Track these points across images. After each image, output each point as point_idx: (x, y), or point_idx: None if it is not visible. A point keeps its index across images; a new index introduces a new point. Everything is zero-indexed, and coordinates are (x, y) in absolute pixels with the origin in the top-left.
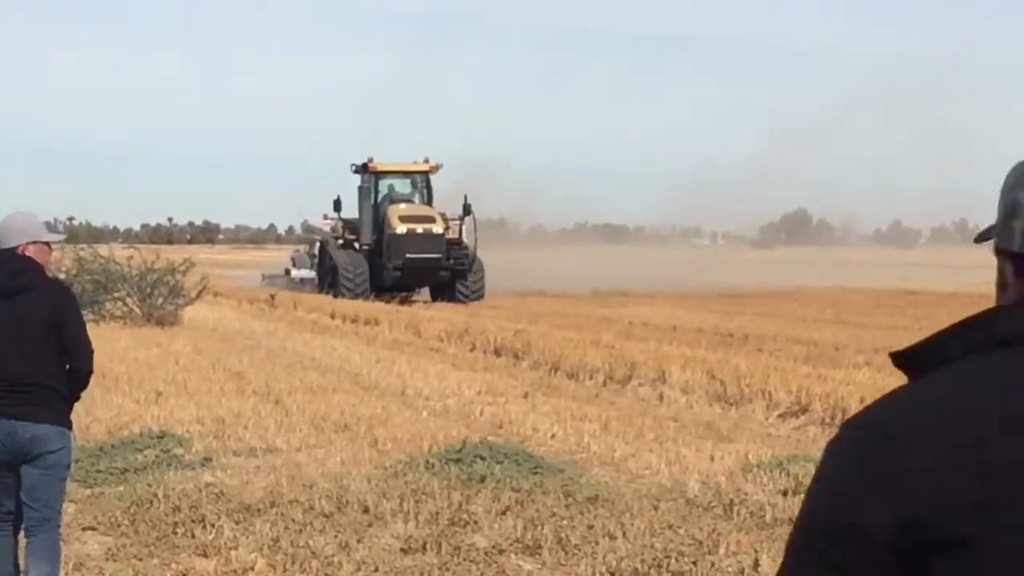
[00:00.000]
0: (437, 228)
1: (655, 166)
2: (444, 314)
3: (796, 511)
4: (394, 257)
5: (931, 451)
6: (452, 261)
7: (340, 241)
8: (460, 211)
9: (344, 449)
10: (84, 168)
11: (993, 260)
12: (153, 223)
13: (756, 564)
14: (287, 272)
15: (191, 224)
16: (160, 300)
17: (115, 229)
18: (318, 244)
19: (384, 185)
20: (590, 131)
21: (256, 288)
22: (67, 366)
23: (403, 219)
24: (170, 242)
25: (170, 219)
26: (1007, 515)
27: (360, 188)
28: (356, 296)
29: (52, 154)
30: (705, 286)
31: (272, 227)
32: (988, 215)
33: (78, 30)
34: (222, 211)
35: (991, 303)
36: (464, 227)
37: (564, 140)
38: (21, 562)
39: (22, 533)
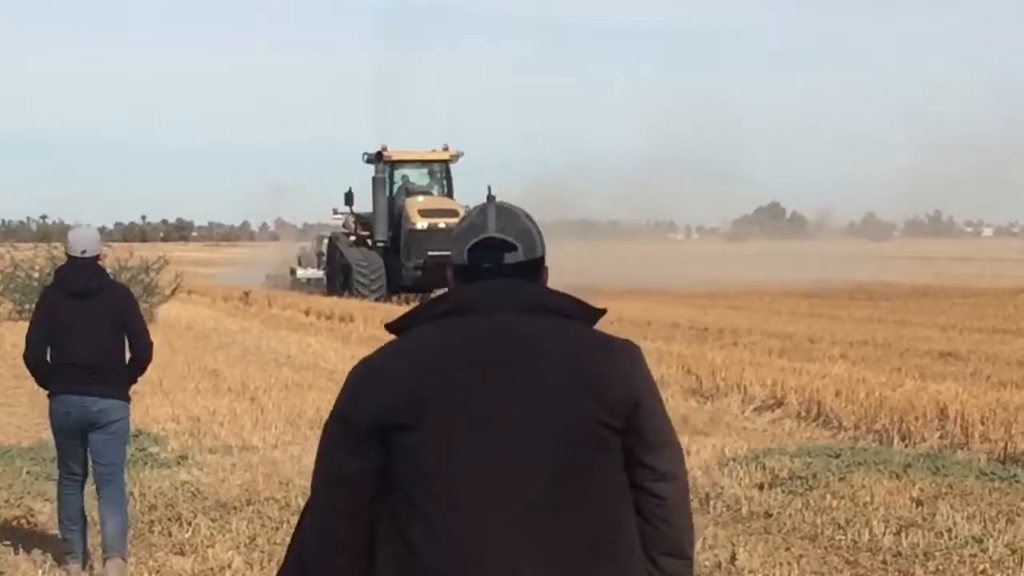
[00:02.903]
0: None
1: (627, 160)
2: None
3: (773, 504)
4: (414, 255)
5: (385, 376)
6: None
7: (352, 238)
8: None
9: None
10: (57, 166)
11: (966, 252)
12: (126, 221)
13: (733, 557)
14: (292, 272)
15: (164, 222)
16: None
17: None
18: (326, 241)
19: (399, 176)
20: (558, 125)
21: (255, 288)
22: (127, 353)
23: (423, 213)
24: (144, 240)
25: (143, 217)
26: (427, 412)
27: (374, 179)
28: (372, 297)
29: (24, 152)
30: (680, 281)
31: (246, 224)
32: (963, 207)
33: (51, 22)
34: (195, 208)
35: (964, 294)
36: None
37: (530, 133)
38: (96, 513)
39: (95, 489)
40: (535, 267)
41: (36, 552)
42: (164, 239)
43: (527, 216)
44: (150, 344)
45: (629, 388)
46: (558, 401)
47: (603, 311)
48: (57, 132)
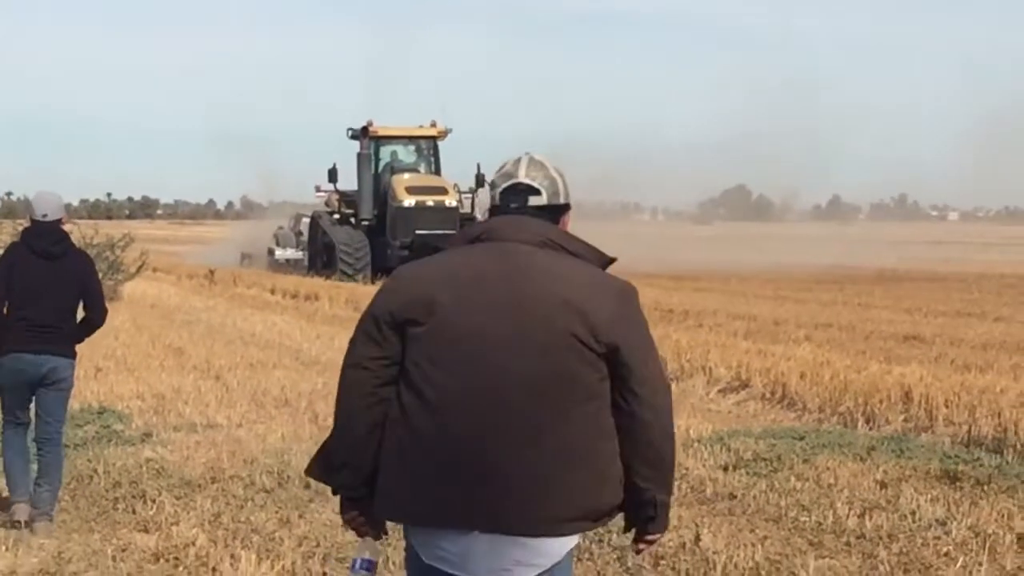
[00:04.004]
0: (450, 201)
1: (598, 142)
2: None
3: (737, 486)
4: (400, 234)
5: (409, 282)
6: None
7: (336, 216)
8: (472, 183)
9: (285, 424)
10: (22, 142)
11: (933, 235)
12: (92, 198)
13: (697, 538)
14: (270, 252)
15: (130, 199)
16: (100, 276)
17: None
18: (305, 220)
19: (386, 152)
20: (532, 108)
21: (230, 269)
22: (80, 314)
23: (410, 190)
24: (109, 217)
25: (109, 194)
26: (433, 311)
27: (359, 155)
28: (356, 277)
29: None
30: (646, 263)
31: (211, 202)
32: (928, 190)
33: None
34: (161, 186)
35: (929, 278)
36: (478, 200)
37: (506, 117)
38: (33, 472)
39: (35, 447)
40: (558, 211)
41: None
42: (129, 216)
43: (556, 169)
44: (105, 310)
45: (613, 321)
46: (541, 318)
47: (613, 259)
48: (22, 108)
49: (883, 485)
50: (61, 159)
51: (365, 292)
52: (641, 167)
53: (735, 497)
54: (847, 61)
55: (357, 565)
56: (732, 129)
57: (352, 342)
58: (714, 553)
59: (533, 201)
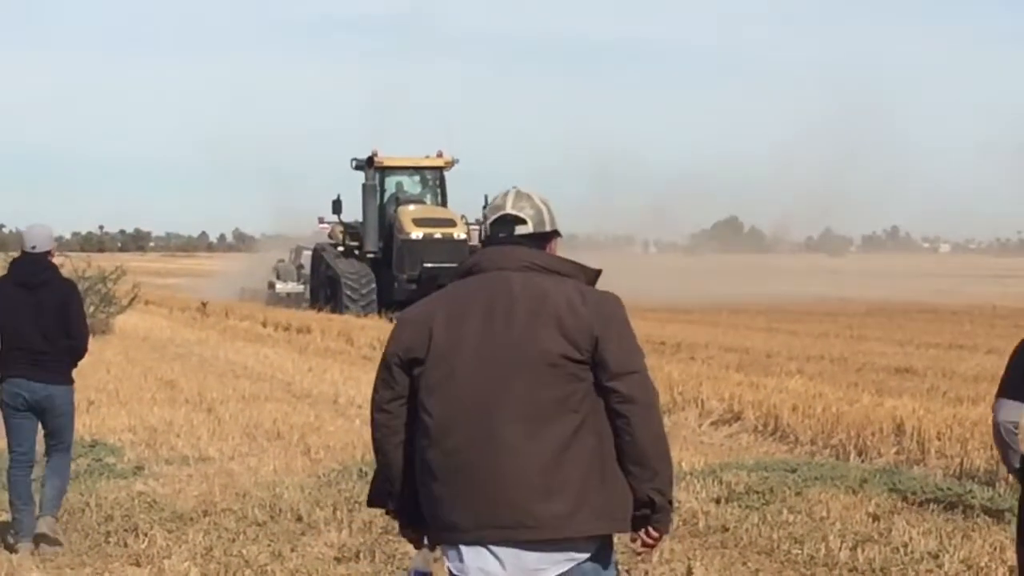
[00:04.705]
0: (458, 233)
1: (588, 173)
2: (376, 322)
3: (729, 519)
4: (408, 267)
5: (412, 323)
6: None
7: (340, 248)
8: (479, 215)
9: (277, 457)
10: (13, 175)
11: (922, 268)
12: (84, 231)
13: (689, 572)
14: (271, 285)
15: (122, 232)
16: (91, 308)
17: None
18: (306, 253)
19: (391, 183)
20: (519, 137)
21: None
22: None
23: (417, 222)
24: (101, 250)
25: (101, 227)
26: (432, 346)
27: (364, 186)
28: (362, 312)
29: None
30: (638, 296)
31: (204, 235)
32: (919, 222)
33: (7, 34)
34: (152, 219)
35: (921, 310)
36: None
37: (493, 148)
38: (40, 476)
39: (45, 455)
40: (544, 237)
41: None
42: (122, 249)
43: (542, 199)
44: (85, 335)
45: (591, 326)
46: (526, 335)
47: (598, 271)
48: (14, 142)
49: (875, 518)
50: (53, 192)
51: (358, 325)
52: (634, 197)
53: (727, 530)
54: (838, 90)
55: (413, 575)
56: (725, 160)
57: (374, 387)
58: None
59: (520, 230)
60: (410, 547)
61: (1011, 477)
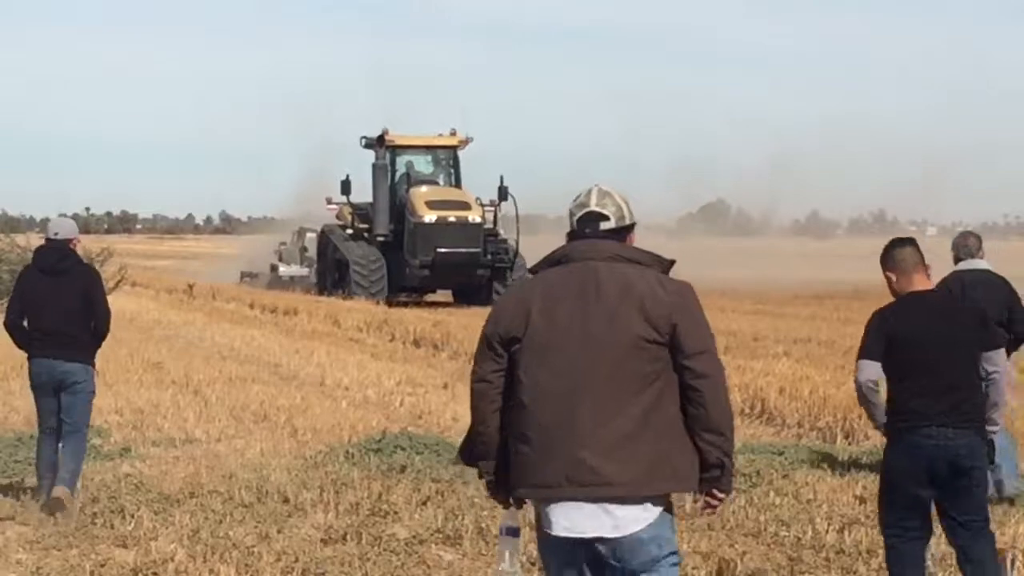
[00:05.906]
0: (474, 216)
1: (578, 157)
2: (363, 305)
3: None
4: (420, 251)
5: (510, 305)
6: (491, 257)
7: (349, 231)
8: (493, 196)
9: (264, 439)
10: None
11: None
12: (70, 212)
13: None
14: (273, 269)
15: (108, 214)
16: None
17: (32, 219)
18: (310, 236)
19: (402, 163)
20: (509, 123)
21: (229, 284)
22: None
23: (431, 205)
24: (87, 232)
25: (87, 209)
26: (529, 327)
27: (374, 166)
28: (371, 297)
29: None
30: None
31: (190, 217)
32: (905, 205)
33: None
34: (139, 200)
35: None
36: (500, 215)
37: (484, 134)
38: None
39: (61, 440)
40: (624, 231)
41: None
42: (108, 231)
43: (621, 196)
44: (107, 317)
45: (670, 312)
46: (614, 319)
47: (672, 261)
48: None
49: (862, 500)
50: (39, 173)
51: (344, 307)
52: (617, 179)
53: (714, 512)
54: (819, 76)
55: (504, 531)
56: (712, 146)
57: (475, 361)
58: (693, 568)
59: (603, 226)
60: (398, 527)
61: (879, 432)
